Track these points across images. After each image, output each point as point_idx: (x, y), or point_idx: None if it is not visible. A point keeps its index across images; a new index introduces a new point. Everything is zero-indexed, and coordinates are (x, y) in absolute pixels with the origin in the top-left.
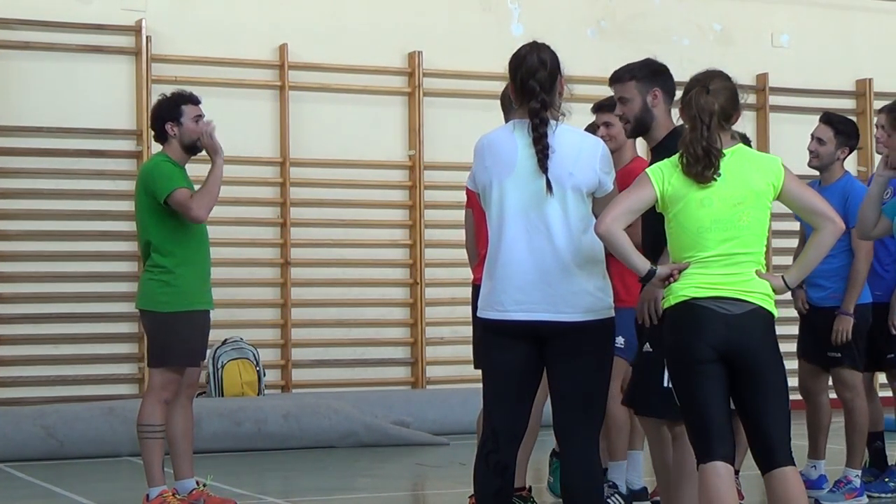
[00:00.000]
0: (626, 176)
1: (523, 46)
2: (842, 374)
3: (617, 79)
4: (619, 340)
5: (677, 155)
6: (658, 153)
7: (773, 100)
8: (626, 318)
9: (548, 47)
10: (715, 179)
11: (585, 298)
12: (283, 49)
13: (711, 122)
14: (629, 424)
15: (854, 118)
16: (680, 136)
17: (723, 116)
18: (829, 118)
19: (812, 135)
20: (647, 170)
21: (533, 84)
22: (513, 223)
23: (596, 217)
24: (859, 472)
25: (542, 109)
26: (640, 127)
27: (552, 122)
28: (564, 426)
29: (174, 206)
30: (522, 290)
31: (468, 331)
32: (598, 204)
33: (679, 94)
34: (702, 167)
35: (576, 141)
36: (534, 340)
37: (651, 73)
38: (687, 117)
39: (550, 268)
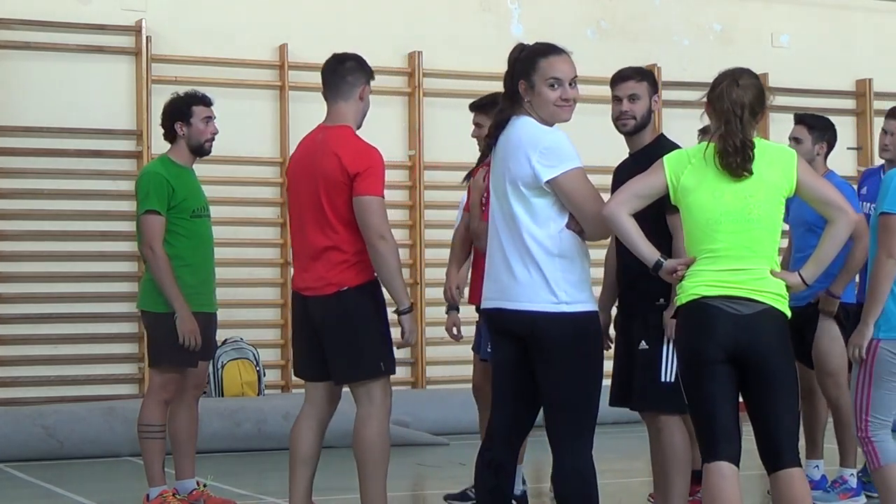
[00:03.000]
0: None
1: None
2: (831, 368)
3: (628, 77)
4: None
5: (693, 148)
6: (638, 159)
7: (773, 99)
8: None
9: (525, 48)
10: (751, 173)
11: (539, 292)
12: (283, 49)
13: (744, 115)
14: None
15: (854, 118)
16: (664, 145)
17: (752, 112)
18: (801, 117)
19: (789, 136)
20: (664, 157)
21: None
22: (492, 219)
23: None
24: (854, 472)
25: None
26: (640, 126)
27: (516, 118)
28: (551, 430)
29: (140, 225)
30: (492, 281)
31: (468, 331)
32: (565, 200)
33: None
34: (740, 159)
35: (519, 134)
36: (515, 338)
37: (654, 82)
38: (718, 110)
39: (507, 259)
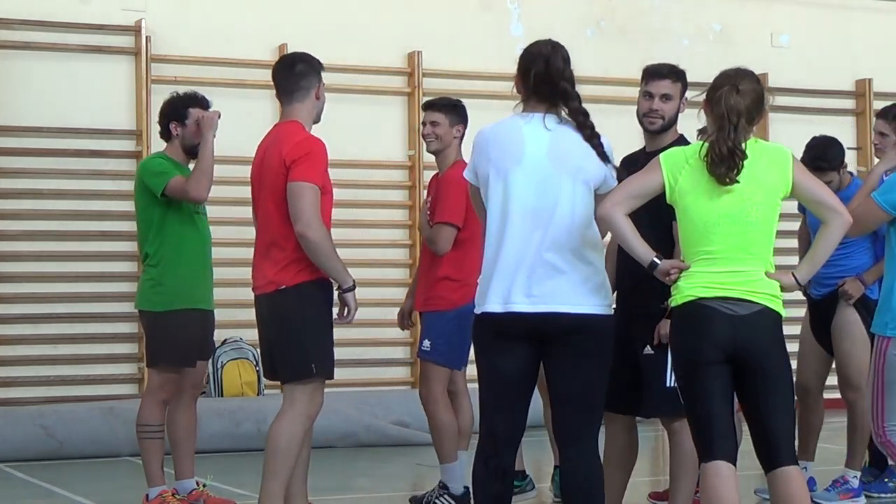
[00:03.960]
0: (447, 182)
1: (541, 45)
2: (849, 370)
3: (664, 75)
4: (426, 343)
5: (690, 147)
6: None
7: (773, 101)
8: (434, 321)
9: (563, 46)
10: (737, 181)
11: (590, 294)
12: (282, 49)
13: (739, 123)
14: (456, 427)
15: (853, 118)
16: (684, 146)
17: (748, 118)
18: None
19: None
20: (661, 156)
21: (565, 85)
22: (518, 215)
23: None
24: (858, 474)
25: (581, 106)
26: (666, 127)
27: (561, 118)
28: (567, 430)
29: (173, 195)
30: (526, 282)
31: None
32: (599, 199)
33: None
34: (725, 168)
35: (576, 135)
36: (532, 338)
37: (686, 83)
38: (714, 115)
39: (552, 260)
